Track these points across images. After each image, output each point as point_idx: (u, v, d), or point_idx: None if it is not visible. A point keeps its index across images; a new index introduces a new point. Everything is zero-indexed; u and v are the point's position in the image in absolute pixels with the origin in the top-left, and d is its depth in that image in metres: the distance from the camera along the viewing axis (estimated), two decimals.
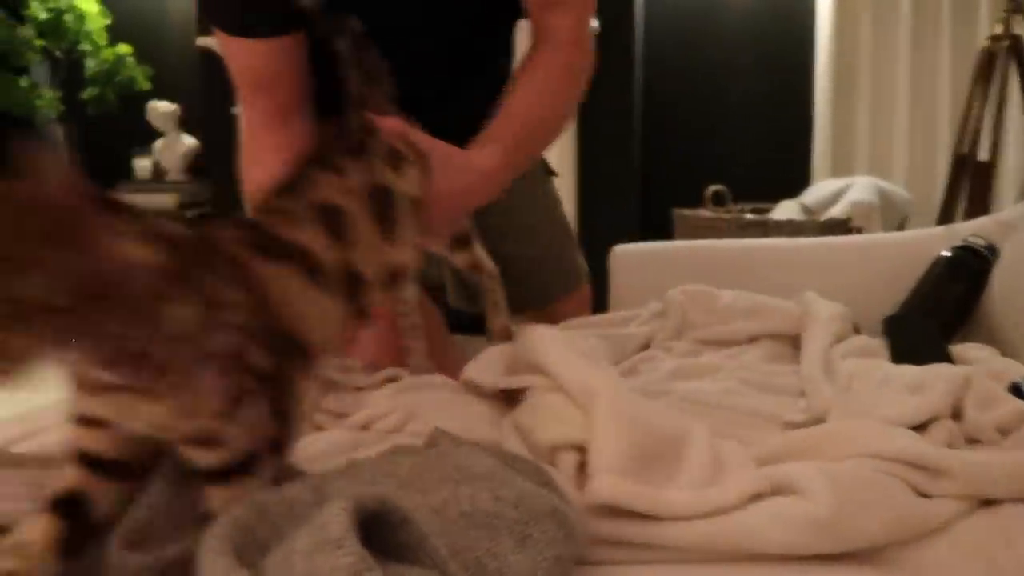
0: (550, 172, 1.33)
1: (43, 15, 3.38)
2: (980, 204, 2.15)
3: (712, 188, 2.64)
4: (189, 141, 3.45)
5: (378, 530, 0.34)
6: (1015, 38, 2.15)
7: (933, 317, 1.05)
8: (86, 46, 3.44)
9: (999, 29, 2.16)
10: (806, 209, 2.47)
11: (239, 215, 0.63)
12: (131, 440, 0.52)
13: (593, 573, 0.53)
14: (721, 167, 3.05)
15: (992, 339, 1.00)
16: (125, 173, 3.52)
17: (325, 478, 0.46)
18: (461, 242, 0.95)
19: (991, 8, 2.80)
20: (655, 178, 3.14)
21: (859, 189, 2.34)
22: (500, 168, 0.91)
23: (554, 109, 1.00)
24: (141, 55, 3.46)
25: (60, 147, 3.54)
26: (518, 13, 1.04)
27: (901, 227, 2.46)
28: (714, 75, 3.16)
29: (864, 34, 2.96)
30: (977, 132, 2.17)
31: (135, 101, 3.42)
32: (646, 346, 1.07)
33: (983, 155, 2.20)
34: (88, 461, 0.51)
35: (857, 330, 1.07)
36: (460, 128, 0.93)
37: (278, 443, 0.55)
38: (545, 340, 0.72)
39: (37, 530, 0.48)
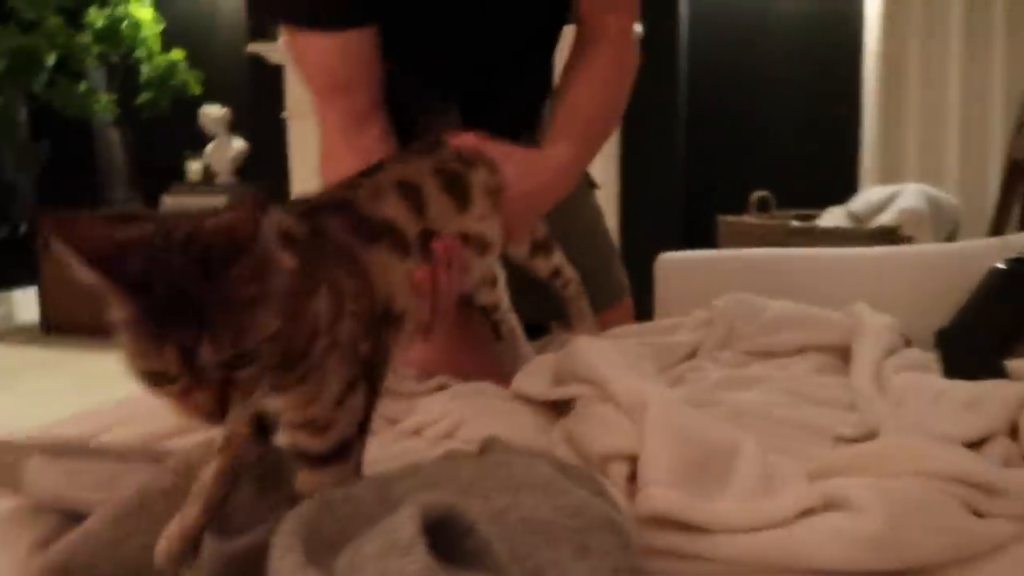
0: (592, 184, 1.34)
1: (101, 22, 3.49)
2: None
3: (757, 194, 2.61)
4: (238, 144, 3.52)
5: (443, 536, 0.35)
6: None
7: (987, 331, 1.04)
8: (141, 52, 3.54)
9: None
10: (853, 216, 2.43)
11: (329, 193, 0.65)
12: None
13: None
14: (766, 173, 3.02)
15: None
16: (177, 175, 3.61)
17: (388, 478, 0.48)
18: (542, 248, 0.97)
19: None
20: (699, 184, 3.12)
21: (909, 196, 2.30)
22: (572, 162, 0.95)
23: (611, 103, 1.04)
24: (193, 60, 3.55)
25: (115, 150, 3.64)
26: (566, 19, 1.06)
27: (952, 236, 2.41)
28: (759, 79, 3.13)
29: (914, 37, 2.90)
30: None
31: (187, 105, 3.51)
32: (692, 355, 1.07)
33: None
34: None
35: (908, 343, 1.06)
36: (510, 130, 0.95)
37: (365, 425, 0.57)
38: (593, 351, 0.73)
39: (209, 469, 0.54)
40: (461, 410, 0.80)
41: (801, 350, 1.03)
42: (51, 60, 3.45)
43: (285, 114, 3.13)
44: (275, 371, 0.48)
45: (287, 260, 0.47)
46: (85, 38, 3.49)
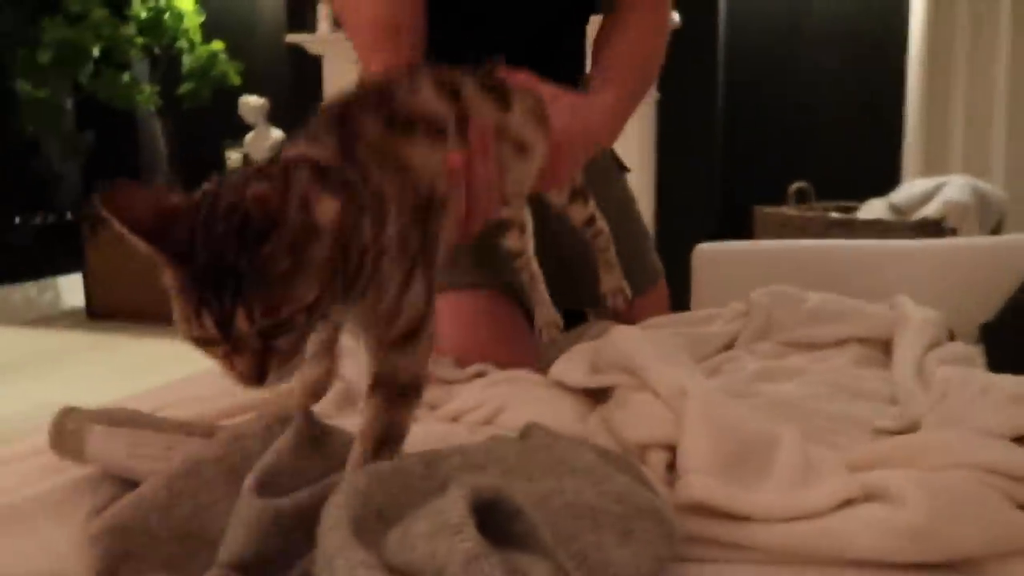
0: (623, 168, 1.33)
1: (144, 14, 3.56)
2: None
3: (795, 185, 2.58)
4: (277, 134, 3.57)
5: (491, 518, 0.36)
6: None
7: None
8: (183, 43, 3.60)
9: None
10: (895, 208, 2.39)
11: (364, 89, 0.66)
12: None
13: (680, 569, 0.54)
14: (805, 164, 2.98)
15: None
16: (217, 165, 3.67)
17: (436, 456, 0.49)
18: (580, 195, 0.98)
19: None
20: (736, 174, 3.09)
21: (953, 188, 2.26)
22: (616, 108, 0.97)
23: (649, 58, 1.07)
24: (233, 51, 3.60)
25: (157, 139, 3.71)
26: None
27: (998, 229, 2.36)
28: (800, 67, 3.08)
29: (961, 23, 2.84)
30: None
31: (227, 95, 3.56)
32: (728, 347, 1.07)
33: None
34: None
35: (952, 337, 1.04)
36: None
37: (427, 319, 0.60)
38: (632, 340, 0.74)
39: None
40: (500, 397, 0.81)
41: (841, 342, 1.02)
42: (96, 52, 3.52)
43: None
44: (335, 301, 0.50)
45: (327, 207, 0.48)
46: (129, 30, 3.55)
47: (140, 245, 0.48)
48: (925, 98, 2.87)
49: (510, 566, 0.33)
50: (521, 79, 0.84)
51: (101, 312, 3.58)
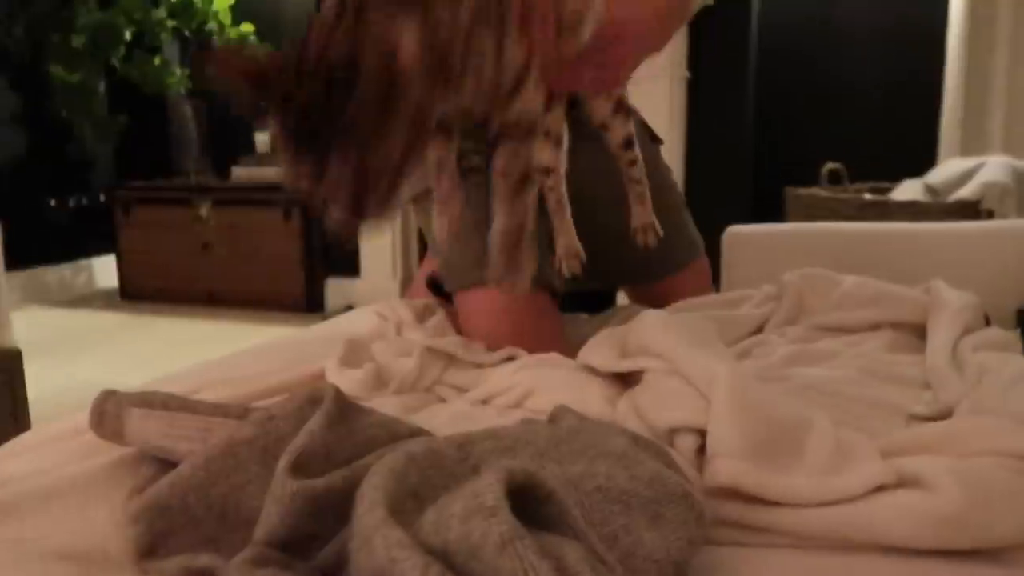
0: (655, 139, 1.32)
1: None
2: None
3: (828, 166, 2.54)
4: None
5: (525, 501, 0.37)
6: None
7: None
8: (213, 25, 3.63)
9: None
10: (931, 190, 2.35)
11: None
12: None
13: (709, 552, 0.54)
14: (839, 144, 2.93)
15: None
16: (247, 147, 3.70)
17: (468, 438, 0.50)
18: (622, 107, 0.96)
19: None
20: (768, 155, 3.05)
21: (992, 169, 2.20)
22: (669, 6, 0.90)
23: None
24: (262, 34, 3.62)
25: (188, 122, 3.75)
26: None
27: None
28: (834, 46, 3.03)
29: (1004, 2, 2.76)
30: None
31: None
32: (759, 329, 1.06)
33: None
34: None
35: (988, 322, 1.03)
36: None
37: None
38: (660, 325, 0.73)
39: None
40: (529, 380, 0.82)
41: (875, 327, 1.01)
42: (128, 35, 3.56)
43: None
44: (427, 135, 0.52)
45: (406, 43, 0.49)
46: (160, 13, 3.59)
47: (245, 96, 0.50)
48: (965, 76, 2.80)
49: (543, 549, 0.33)
50: None
51: (134, 293, 3.65)
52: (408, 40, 0.49)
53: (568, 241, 0.99)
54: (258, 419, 0.58)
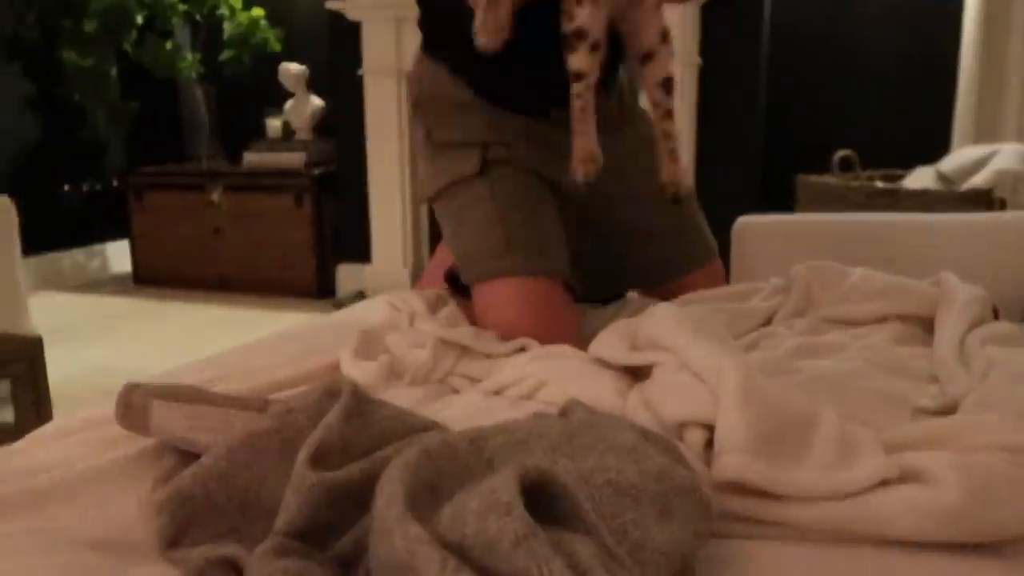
0: None
1: None
2: None
3: (840, 153, 2.53)
4: (316, 102, 3.59)
5: (538, 496, 0.38)
6: None
7: None
8: (224, 10, 3.63)
9: None
10: (943, 177, 2.34)
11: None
12: None
13: (717, 546, 0.56)
14: (852, 130, 2.92)
15: None
16: (258, 132, 3.71)
17: (482, 433, 0.51)
18: (667, 37, 0.98)
19: None
20: (780, 141, 3.04)
21: (1005, 157, 2.19)
22: None
23: None
24: (273, 18, 3.62)
25: (199, 106, 3.76)
26: None
27: None
28: (845, 30, 3.00)
29: None
30: None
31: (267, 62, 3.59)
32: (768, 321, 1.07)
33: None
34: None
35: (997, 314, 1.03)
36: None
37: None
38: (670, 318, 0.74)
39: None
40: (541, 372, 0.83)
41: (883, 319, 1.02)
42: (140, 20, 3.57)
43: (362, 71, 3.17)
44: None
45: None
46: None
47: None
48: (979, 62, 2.77)
49: (556, 545, 0.34)
50: None
51: (147, 277, 3.68)
52: None
53: (585, 144, 0.97)
54: (278, 412, 0.60)
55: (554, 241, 1.11)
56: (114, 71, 3.76)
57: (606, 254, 1.27)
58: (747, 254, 1.33)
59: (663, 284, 1.24)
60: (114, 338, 2.87)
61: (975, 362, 0.81)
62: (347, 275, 3.39)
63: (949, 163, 2.38)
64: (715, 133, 2.87)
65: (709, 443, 0.63)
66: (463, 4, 0.99)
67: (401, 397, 0.81)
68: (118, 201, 3.79)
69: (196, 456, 0.58)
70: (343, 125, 3.35)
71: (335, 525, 0.52)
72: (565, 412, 0.63)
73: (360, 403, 0.62)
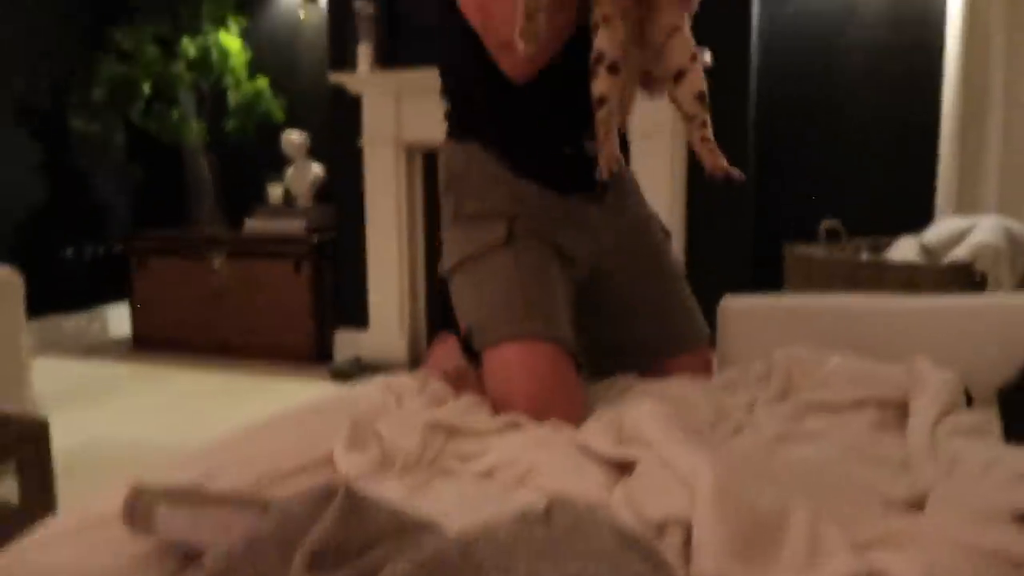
0: (666, 233, 1.39)
1: (193, 52, 3.71)
2: None
3: (826, 224, 2.60)
4: (317, 169, 3.68)
5: None
6: None
7: None
8: (229, 80, 3.74)
9: None
10: (926, 249, 2.40)
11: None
12: None
13: None
14: (839, 198, 3.00)
15: None
16: (260, 198, 3.79)
17: (470, 541, 0.55)
18: (697, 57, 1.05)
19: None
20: (769, 209, 3.11)
21: (984, 230, 2.26)
22: None
23: None
24: (277, 87, 3.73)
25: (203, 173, 3.85)
26: None
27: None
28: (832, 104, 3.10)
29: (996, 62, 2.84)
30: None
31: (270, 130, 3.69)
32: (751, 406, 1.10)
33: None
34: None
35: (970, 400, 1.07)
36: None
37: None
38: (653, 415, 0.78)
39: None
40: (532, 458, 0.87)
41: (861, 404, 1.06)
42: (147, 88, 3.68)
43: (361, 142, 3.26)
44: None
45: None
46: (178, 67, 3.70)
47: None
48: (959, 135, 2.87)
49: None
50: None
51: (146, 342, 3.71)
52: None
53: (610, 150, 1.05)
54: (276, 514, 0.63)
55: (565, 314, 1.18)
56: (120, 137, 3.86)
57: (602, 331, 1.32)
58: (731, 333, 1.37)
59: (653, 361, 1.29)
60: (114, 406, 2.89)
61: (943, 454, 0.85)
62: (344, 341, 3.43)
63: (932, 234, 2.45)
64: (705, 201, 2.94)
65: (688, 539, 0.67)
66: (492, 84, 1.11)
67: (394, 488, 0.84)
68: (120, 265, 3.85)
69: (198, 556, 0.62)
70: (343, 193, 3.42)
71: None
72: (550, 512, 0.66)
73: (355, 503, 0.65)
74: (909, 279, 2.16)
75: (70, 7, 3.91)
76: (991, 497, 0.72)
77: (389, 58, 3.22)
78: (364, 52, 3.18)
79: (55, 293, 3.72)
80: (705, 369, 1.31)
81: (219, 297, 3.56)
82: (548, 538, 0.56)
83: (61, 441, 2.02)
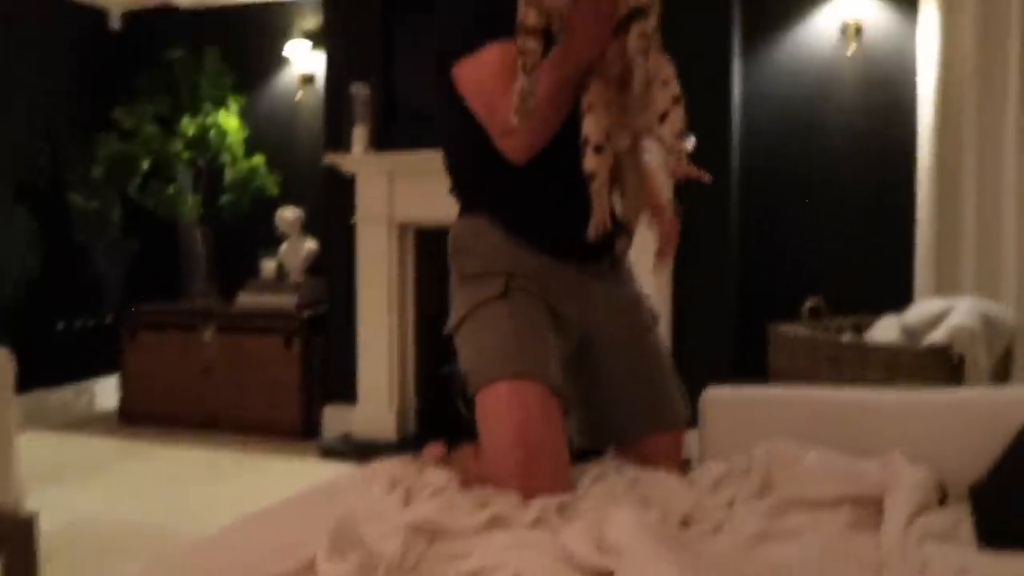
0: (653, 315, 1.44)
1: (192, 130, 3.80)
2: None
3: (809, 303, 2.66)
4: (310, 244, 3.73)
5: None
6: None
7: (1021, 491, 1.07)
8: (226, 157, 3.83)
9: None
10: (907, 330, 2.45)
11: None
12: None
13: None
14: (821, 277, 3.06)
15: None
16: (253, 273, 3.83)
17: None
18: (679, 100, 1.12)
19: None
20: (753, 288, 3.17)
21: (961, 313, 2.32)
22: None
23: None
24: (272, 163, 3.82)
25: (197, 247, 3.90)
26: None
27: (1008, 353, 2.41)
28: (812, 183, 3.20)
29: (968, 144, 2.94)
30: None
31: (265, 205, 3.76)
32: (731, 502, 1.13)
33: None
34: None
35: (944, 494, 1.10)
36: None
37: None
38: (631, 525, 0.81)
39: None
40: (516, 564, 0.88)
41: (838, 501, 1.08)
42: (146, 165, 3.76)
43: (354, 219, 3.32)
44: None
45: None
46: (177, 145, 3.79)
47: None
48: (935, 217, 2.95)
49: None
50: None
51: (133, 416, 3.69)
52: None
53: (601, 216, 1.14)
54: None
55: (555, 362, 1.25)
56: (117, 212, 3.91)
57: (583, 402, 1.36)
58: (714, 423, 1.40)
59: (630, 438, 1.33)
60: (100, 484, 2.86)
61: (915, 559, 0.87)
62: (333, 416, 3.42)
63: (912, 315, 2.50)
64: (690, 280, 2.99)
65: None
66: (494, 163, 1.20)
67: None
68: (111, 337, 3.85)
69: None
70: (335, 268, 3.47)
71: None
72: None
73: None
74: (890, 360, 2.21)
75: (73, 86, 4.02)
76: None
77: (383, 140, 3.31)
78: (359, 134, 3.27)
79: (44, 366, 3.71)
80: (677, 450, 1.35)
81: (209, 371, 3.56)
82: None
83: (44, 522, 2.00)
